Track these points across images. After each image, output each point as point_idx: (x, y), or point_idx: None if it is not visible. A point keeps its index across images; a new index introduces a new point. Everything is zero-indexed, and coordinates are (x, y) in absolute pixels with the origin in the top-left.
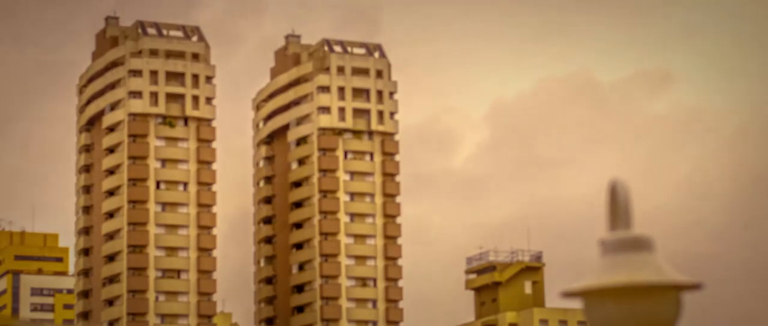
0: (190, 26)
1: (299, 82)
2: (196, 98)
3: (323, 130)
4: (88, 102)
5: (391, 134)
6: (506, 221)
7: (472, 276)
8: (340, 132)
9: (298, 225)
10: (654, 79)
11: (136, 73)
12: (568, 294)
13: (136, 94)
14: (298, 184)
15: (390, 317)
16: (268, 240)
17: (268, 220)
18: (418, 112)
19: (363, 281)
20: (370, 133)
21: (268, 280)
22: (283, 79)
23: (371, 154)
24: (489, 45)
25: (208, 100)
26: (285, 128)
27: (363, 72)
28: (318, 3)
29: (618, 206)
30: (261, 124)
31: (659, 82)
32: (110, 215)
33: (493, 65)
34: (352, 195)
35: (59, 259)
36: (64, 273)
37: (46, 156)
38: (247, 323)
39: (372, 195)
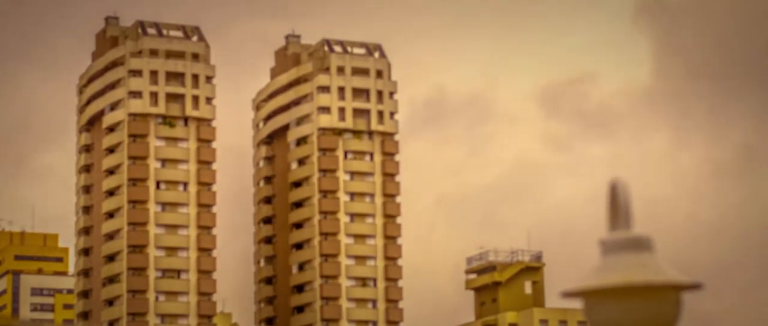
0: (190, 26)
1: (299, 82)
2: (196, 98)
3: (323, 130)
4: (88, 102)
5: (391, 134)
6: (507, 221)
7: (472, 276)
8: (340, 132)
9: (298, 225)
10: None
11: (136, 73)
12: (568, 294)
13: (136, 94)
14: (298, 184)
15: (390, 317)
16: (268, 240)
17: (268, 220)
18: (419, 111)
19: (363, 281)
20: (370, 133)
21: (268, 280)
22: (283, 79)
23: (371, 154)
24: (488, 43)
25: (208, 100)
26: (285, 128)
27: (363, 72)
28: (318, 3)
29: (618, 206)
30: (261, 124)
31: None
32: (110, 215)
33: (494, 63)
34: (352, 195)
35: (59, 259)
36: (64, 273)
37: (46, 156)
38: (247, 323)
39: (372, 196)
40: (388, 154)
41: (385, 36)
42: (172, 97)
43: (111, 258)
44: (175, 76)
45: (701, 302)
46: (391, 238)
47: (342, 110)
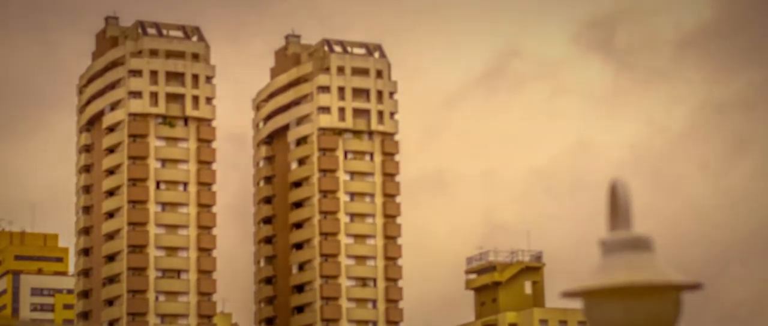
0: (190, 26)
1: (299, 82)
2: (196, 98)
3: (323, 130)
4: (88, 102)
5: (391, 134)
6: (507, 221)
7: (472, 276)
8: (340, 132)
9: (298, 225)
10: None
11: (136, 73)
12: (568, 294)
13: (136, 94)
14: (298, 184)
15: (390, 317)
16: (268, 240)
17: (268, 220)
18: (419, 111)
19: (363, 281)
20: (370, 133)
21: (268, 280)
22: (283, 79)
23: (371, 154)
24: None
25: (208, 100)
26: (285, 128)
27: (363, 72)
28: (318, 3)
29: (618, 206)
30: (261, 124)
31: None
32: (110, 215)
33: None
34: (352, 195)
35: (59, 259)
36: (64, 273)
37: (46, 156)
38: (247, 323)
39: (372, 195)
40: (388, 154)
41: (385, 36)
42: (172, 97)
43: (111, 258)
44: (175, 76)
45: (732, 290)
46: (391, 238)
47: (342, 110)
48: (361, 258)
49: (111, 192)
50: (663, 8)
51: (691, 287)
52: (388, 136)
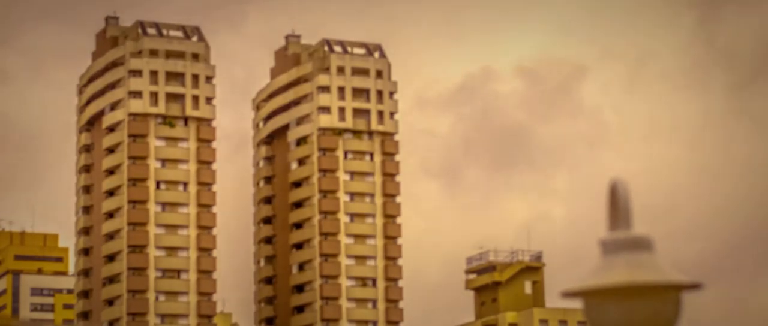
0: (190, 26)
1: (299, 82)
2: (196, 98)
3: (323, 130)
4: (88, 102)
5: (391, 134)
6: (507, 221)
7: (472, 276)
8: (340, 132)
9: (298, 225)
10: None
11: (136, 73)
12: (568, 294)
13: (136, 94)
14: (298, 184)
15: (390, 317)
16: (268, 240)
17: (268, 220)
18: (417, 111)
19: (363, 281)
20: (370, 133)
21: (268, 280)
22: (283, 79)
23: (371, 154)
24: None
25: (208, 100)
26: (285, 128)
27: (363, 72)
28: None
29: (618, 206)
30: (261, 124)
31: None
32: (110, 215)
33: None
34: (352, 195)
35: (59, 259)
36: (64, 273)
37: (46, 156)
38: (247, 323)
39: (372, 196)
40: (388, 154)
41: (385, 36)
42: (172, 97)
43: (111, 258)
44: (175, 76)
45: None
46: (391, 238)
47: (342, 110)
48: (361, 258)
49: (111, 192)
50: None
51: (691, 287)
52: (388, 136)
